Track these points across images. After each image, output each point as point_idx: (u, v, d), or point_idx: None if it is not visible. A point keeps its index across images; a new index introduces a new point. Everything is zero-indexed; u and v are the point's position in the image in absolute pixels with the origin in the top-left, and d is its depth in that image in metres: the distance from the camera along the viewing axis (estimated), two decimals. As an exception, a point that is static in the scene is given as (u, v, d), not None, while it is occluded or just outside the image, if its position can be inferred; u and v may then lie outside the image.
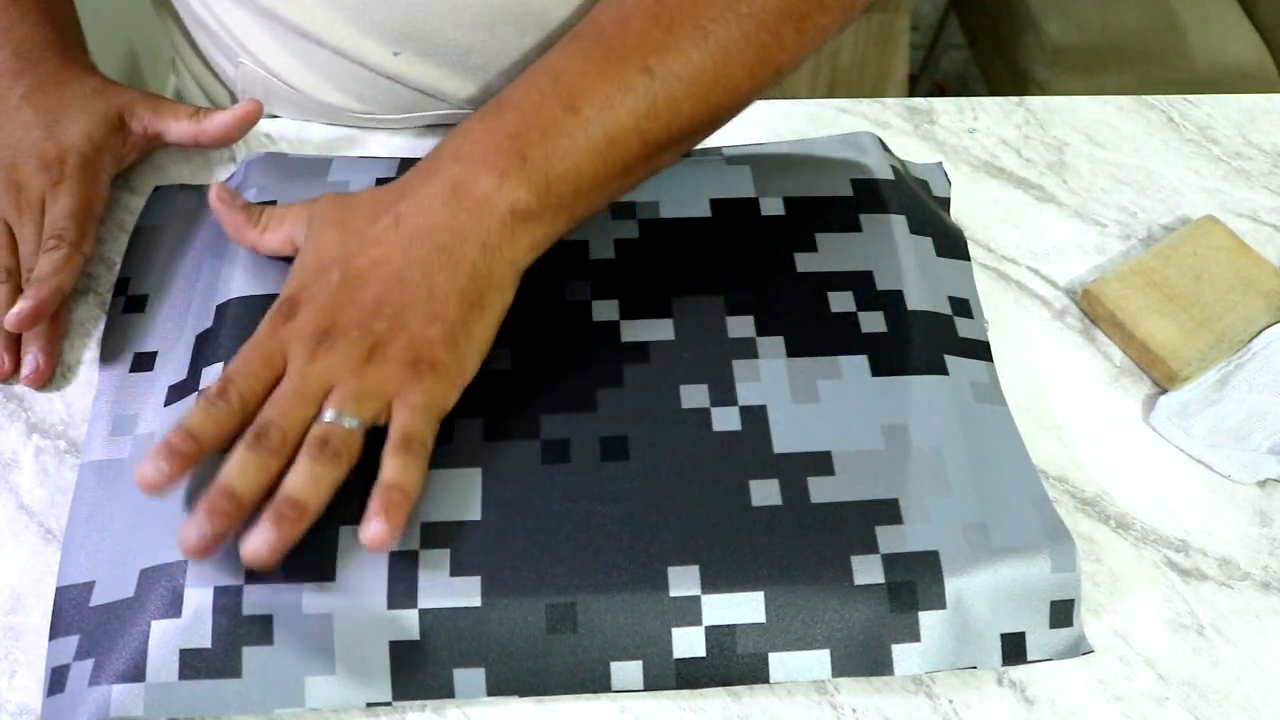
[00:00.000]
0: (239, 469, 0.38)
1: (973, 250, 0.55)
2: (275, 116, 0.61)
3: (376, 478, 0.39)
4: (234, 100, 0.64)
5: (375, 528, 0.38)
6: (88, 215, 0.50)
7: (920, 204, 0.53)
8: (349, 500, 0.41)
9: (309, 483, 0.38)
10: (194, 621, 0.39)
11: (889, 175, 0.53)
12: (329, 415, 0.40)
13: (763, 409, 0.44)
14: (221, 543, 0.37)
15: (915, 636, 0.40)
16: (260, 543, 0.37)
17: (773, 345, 0.46)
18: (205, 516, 0.37)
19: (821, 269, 0.49)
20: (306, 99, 0.59)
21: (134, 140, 0.54)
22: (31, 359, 0.47)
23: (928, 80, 1.77)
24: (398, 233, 0.43)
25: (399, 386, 0.41)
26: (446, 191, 0.43)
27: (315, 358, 0.41)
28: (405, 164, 0.53)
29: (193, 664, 0.39)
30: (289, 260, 0.48)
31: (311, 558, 0.40)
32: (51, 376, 0.48)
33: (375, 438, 0.41)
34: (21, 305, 0.46)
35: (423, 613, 0.39)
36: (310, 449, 0.39)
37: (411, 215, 0.43)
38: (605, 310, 0.47)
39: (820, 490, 0.42)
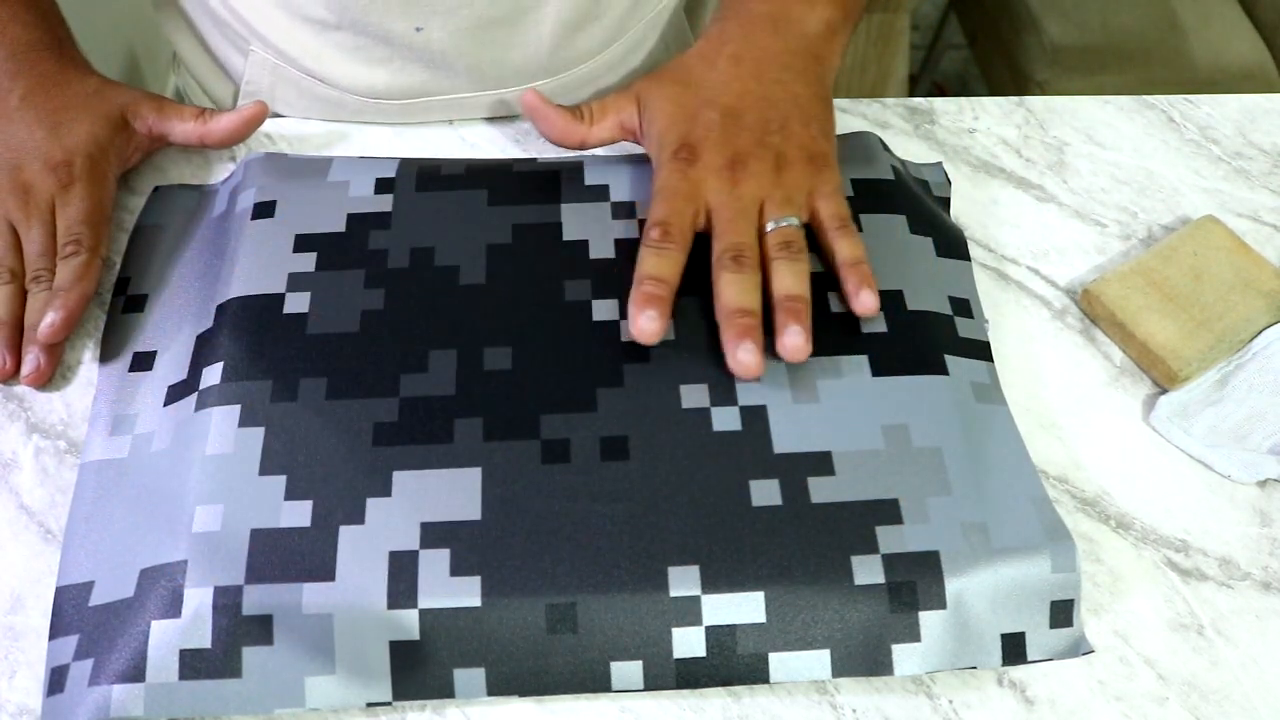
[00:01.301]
0: (739, 290, 0.45)
1: (973, 250, 0.55)
2: (278, 116, 0.61)
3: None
4: (238, 94, 0.64)
5: (869, 298, 0.46)
6: (101, 218, 0.50)
7: (920, 204, 0.53)
8: (347, 499, 0.41)
9: (795, 279, 0.45)
10: (194, 621, 0.39)
11: (889, 175, 0.53)
12: (779, 223, 0.47)
13: (763, 409, 0.44)
14: (760, 359, 0.44)
15: (915, 636, 0.40)
16: (797, 337, 0.44)
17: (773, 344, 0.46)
18: (740, 339, 0.44)
19: (822, 269, 0.49)
20: (317, 85, 0.59)
21: (138, 141, 0.54)
22: (33, 358, 0.47)
23: (928, 80, 1.77)
24: (740, 69, 0.50)
25: (811, 181, 0.48)
26: (768, 25, 0.51)
27: (737, 182, 0.47)
28: (405, 164, 0.53)
29: (193, 664, 0.39)
30: (288, 259, 0.48)
31: (311, 557, 0.40)
32: (52, 376, 0.48)
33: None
34: (53, 317, 0.47)
35: (423, 613, 0.39)
36: (781, 253, 0.46)
37: (746, 53, 0.50)
38: (605, 310, 0.47)
39: (820, 490, 0.42)
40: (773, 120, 0.49)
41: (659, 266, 0.45)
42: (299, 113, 0.62)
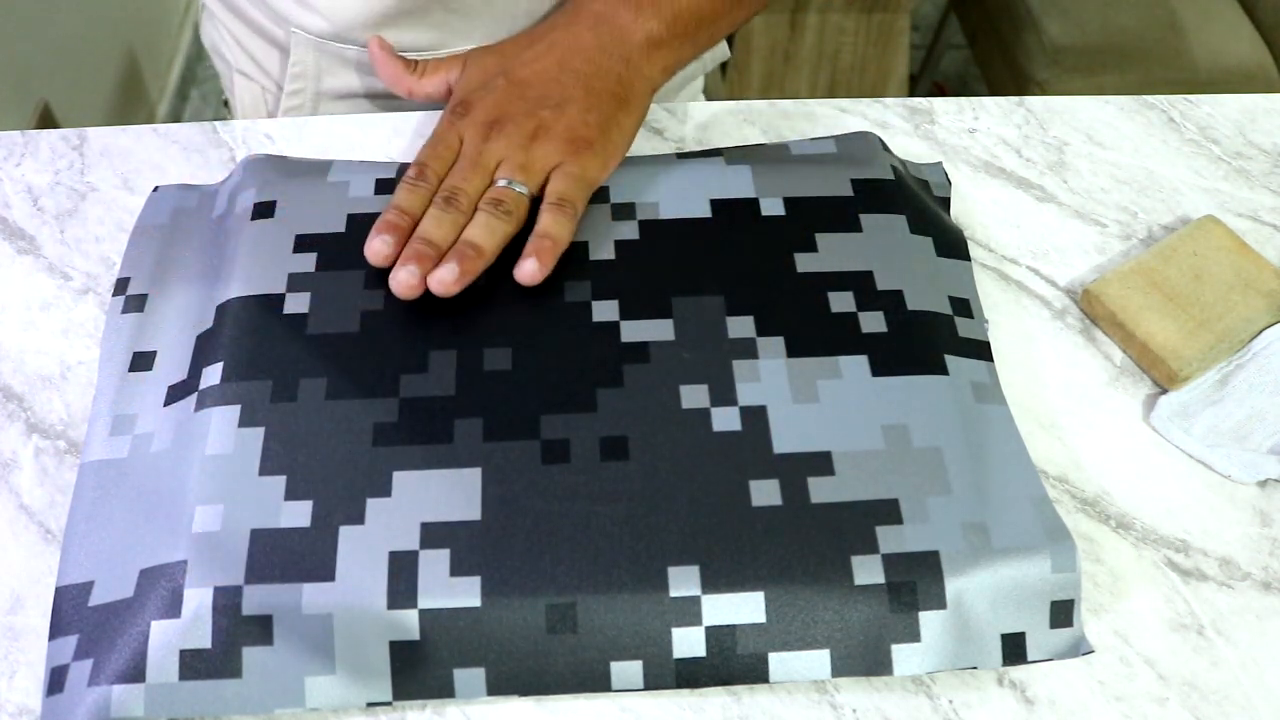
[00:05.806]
0: (434, 223, 0.47)
1: (973, 250, 0.55)
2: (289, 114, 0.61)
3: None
4: (285, 68, 0.65)
5: (529, 266, 0.46)
6: None
7: (920, 204, 0.53)
8: (347, 500, 0.41)
9: (485, 231, 0.47)
10: (194, 621, 0.39)
11: (889, 175, 0.53)
12: (501, 182, 0.49)
13: (763, 409, 0.44)
14: (424, 286, 0.46)
15: (915, 636, 0.40)
16: (446, 272, 0.46)
17: (773, 345, 0.46)
18: (407, 261, 0.46)
19: (821, 269, 0.49)
20: (346, 49, 0.61)
21: None
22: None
23: (928, 80, 1.77)
24: (552, 53, 0.52)
25: (559, 159, 0.49)
26: (591, 22, 0.53)
27: (488, 139, 0.50)
28: (405, 167, 0.53)
29: (193, 664, 0.39)
30: (288, 259, 0.48)
31: (311, 558, 0.40)
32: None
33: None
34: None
35: (423, 613, 0.39)
36: (487, 205, 0.48)
37: (563, 41, 0.53)
38: (605, 310, 0.47)
39: (820, 490, 0.42)
40: (553, 97, 0.51)
41: (407, 200, 0.48)
42: (344, 82, 0.64)
